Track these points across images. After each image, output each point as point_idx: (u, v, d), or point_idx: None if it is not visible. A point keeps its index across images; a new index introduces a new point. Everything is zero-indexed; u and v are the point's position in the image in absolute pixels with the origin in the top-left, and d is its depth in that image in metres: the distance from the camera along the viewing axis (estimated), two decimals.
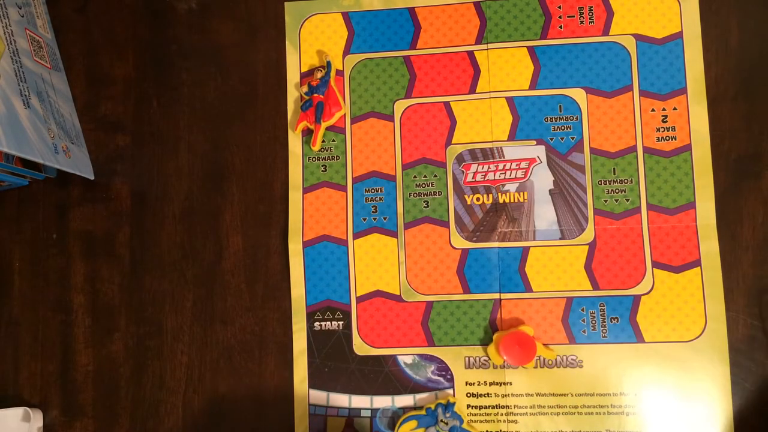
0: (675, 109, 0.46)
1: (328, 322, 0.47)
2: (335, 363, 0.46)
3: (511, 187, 0.46)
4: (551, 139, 0.46)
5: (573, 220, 0.46)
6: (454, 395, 0.45)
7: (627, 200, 0.45)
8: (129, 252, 0.49)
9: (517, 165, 0.46)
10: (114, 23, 0.51)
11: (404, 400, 0.46)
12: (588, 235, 0.45)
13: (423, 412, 0.44)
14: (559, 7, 0.47)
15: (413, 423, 0.44)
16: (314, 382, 0.46)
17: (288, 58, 0.49)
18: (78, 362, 0.48)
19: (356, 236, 0.47)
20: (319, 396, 0.46)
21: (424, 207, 0.47)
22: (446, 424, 0.43)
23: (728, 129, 0.45)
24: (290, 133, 0.49)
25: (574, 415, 0.44)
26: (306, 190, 0.48)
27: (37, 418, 0.47)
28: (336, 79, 0.48)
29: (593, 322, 0.45)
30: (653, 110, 0.46)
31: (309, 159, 0.48)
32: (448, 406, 0.44)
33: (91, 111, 0.51)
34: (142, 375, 0.48)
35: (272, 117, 0.49)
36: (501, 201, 0.46)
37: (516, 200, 0.46)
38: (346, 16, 0.49)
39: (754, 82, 0.45)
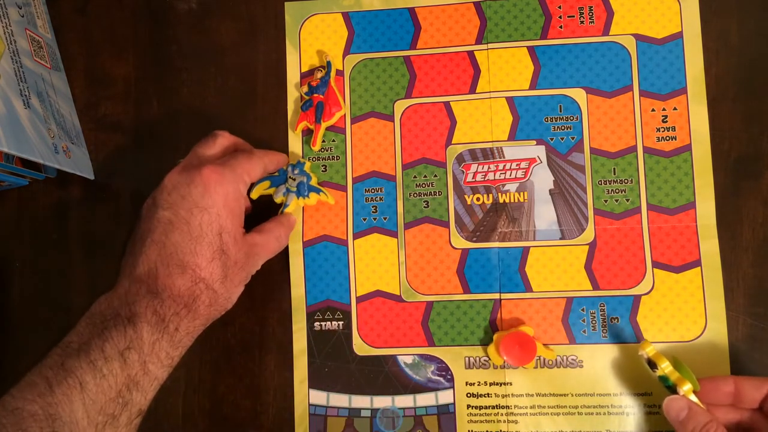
0: (675, 109, 0.46)
1: (328, 322, 0.47)
2: (335, 363, 0.46)
3: (511, 187, 0.46)
4: (551, 139, 0.46)
5: (573, 220, 0.46)
6: (454, 395, 0.45)
7: (627, 200, 0.45)
8: None
9: (517, 165, 0.47)
10: (114, 23, 0.51)
11: (404, 400, 0.46)
12: (588, 235, 0.45)
13: (276, 174, 0.46)
14: (559, 7, 0.47)
15: (266, 183, 0.45)
16: (314, 382, 0.46)
17: (288, 58, 0.49)
18: None
19: (356, 236, 0.47)
20: (319, 396, 0.46)
21: (424, 207, 0.47)
22: (294, 180, 0.45)
23: (728, 129, 0.45)
24: (290, 133, 0.49)
25: (575, 416, 0.44)
26: None
27: None
28: (336, 79, 0.48)
29: (593, 322, 0.45)
30: (653, 110, 0.46)
31: (309, 159, 0.48)
32: (297, 165, 0.46)
33: (91, 111, 0.51)
34: None
35: (272, 117, 0.49)
36: (501, 201, 0.46)
37: (516, 200, 0.46)
38: (346, 16, 0.49)
39: (754, 82, 0.45)
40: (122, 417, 0.33)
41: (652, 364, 0.40)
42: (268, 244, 0.43)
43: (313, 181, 0.46)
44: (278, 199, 0.45)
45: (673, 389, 0.39)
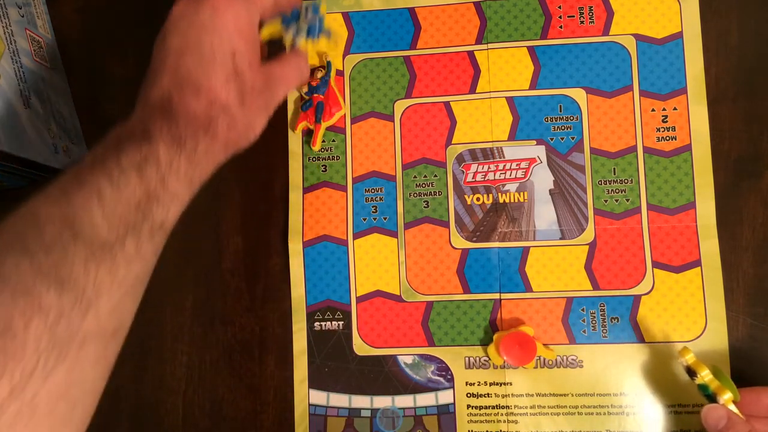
0: (675, 109, 0.46)
1: (328, 322, 0.47)
2: (335, 363, 0.46)
3: (511, 187, 0.46)
4: (551, 139, 0.46)
5: (573, 220, 0.46)
6: (454, 395, 0.45)
7: (627, 200, 0.45)
8: None
9: (517, 165, 0.47)
10: (114, 23, 0.51)
11: (404, 400, 0.46)
12: (588, 235, 0.45)
13: (288, 16, 0.43)
14: (559, 7, 0.47)
15: (277, 22, 0.43)
16: (314, 382, 0.46)
17: None
18: None
19: (356, 236, 0.47)
20: (319, 396, 0.46)
21: (424, 207, 0.47)
22: (306, 21, 0.43)
23: (728, 129, 0.45)
24: (290, 133, 0.49)
25: (575, 416, 0.44)
26: (306, 190, 0.48)
27: None
28: (336, 79, 0.48)
29: (593, 322, 0.45)
30: (653, 110, 0.46)
31: (309, 159, 0.48)
32: (312, 6, 0.43)
33: (91, 111, 0.51)
34: (142, 375, 0.48)
35: (272, 117, 0.49)
36: (501, 201, 0.46)
37: (516, 200, 0.46)
38: (346, 16, 0.49)
39: (754, 82, 0.45)
40: (144, 228, 0.32)
41: (691, 372, 0.39)
42: (288, 74, 0.41)
43: (325, 24, 0.44)
44: (287, 39, 0.43)
45: (712, 398, 0.38)
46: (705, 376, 0.39)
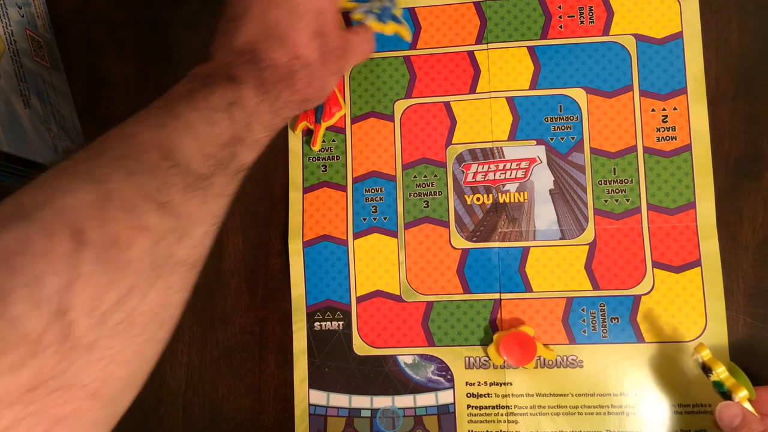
0: (675, 109, 0.46)
1: (328, 322, 0.47)
2: (335, 363, 0.46)
3: (511, 187, 0.46)
4: (551, 139, 0.46)
5: (573, 220, 0.46)
6: (454, 395, 0.45)
7: (627, 200, 0.45)
8: None
9: (517, 165, 0.47)
10: (114, 23, 0.51)
11: (404, 400, 0.46)
12: (588, 235, 0.45)
13: None
14: (559, 7, 0.47)
15: None
16: (314, 382, 0.46)
17: None
18: None
19: (356, 236, 0.47)
20: (319, 396, 0.46)
21: (424, 207, 0.47)
22: (380, 3, 0.44)
23: (728, 129, 0.45)
24: (290, 133, 0.49)
25: (575, 416, 0.44)
26: (306, 190, 0.48)
27: None
28: None
29: (593, 322, 0.45)
30: (653, 110, 0.46)
31: (309, 159, 0.48)
32: None
33: (91, 111, 0.51)
34: None
35: None
36: (501, 201, 0.46)
37: (516, 200, 0.46)
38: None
39: (754, 82, 0.45)
40: (230, 168, 0.32)
41: (706, 369, 0.39)
42: (360, 44, 0.42)
43: (396, 11, 0.45)
44: (358, 16, 0.43)
45: (727, 395, 0.38)
46: (720, 373, 0.38)
